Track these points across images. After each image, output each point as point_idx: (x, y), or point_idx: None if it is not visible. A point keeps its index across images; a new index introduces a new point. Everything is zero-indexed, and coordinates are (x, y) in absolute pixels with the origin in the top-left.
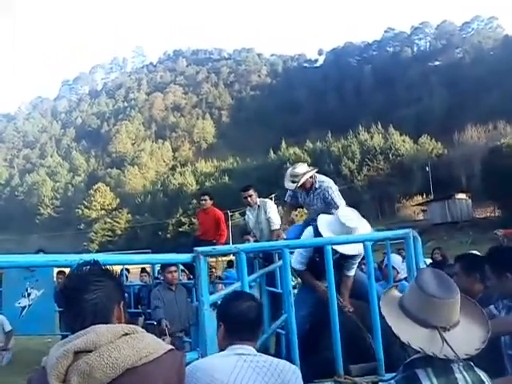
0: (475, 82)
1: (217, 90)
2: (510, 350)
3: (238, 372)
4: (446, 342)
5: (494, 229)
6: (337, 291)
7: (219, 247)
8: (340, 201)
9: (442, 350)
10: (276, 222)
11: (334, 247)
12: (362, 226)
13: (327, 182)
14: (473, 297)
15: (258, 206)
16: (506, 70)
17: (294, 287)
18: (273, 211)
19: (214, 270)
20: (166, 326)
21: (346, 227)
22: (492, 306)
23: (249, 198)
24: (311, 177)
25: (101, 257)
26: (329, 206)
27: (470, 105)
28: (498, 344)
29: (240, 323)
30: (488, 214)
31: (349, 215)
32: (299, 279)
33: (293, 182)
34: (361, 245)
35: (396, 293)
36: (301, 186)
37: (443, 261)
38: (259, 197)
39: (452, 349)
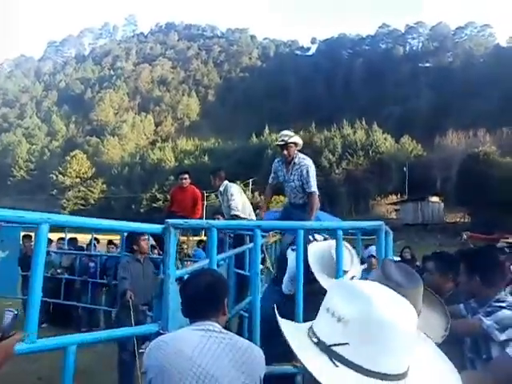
0: (462, 87)
1: (206, 67)
2: (470, 353)
3: (202, 347)
4: (421, 331)
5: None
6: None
7: (191, 221)
8: (314, 183)
9: None
10: (236, 208)
11: (319, 280)
12: (354, 267)
13: (308, 161)
14: (443, 294)
15: (221, 191)
16: (493, 78)
17: (262, 272)
18: (234, 196)
19: (184, 247)
20: (130, 298)
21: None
22: (462, 306)
23: (213, 181)
24: (296, 145)
25: (70, 219)
26: (303, 185)
27: (454, 109)
28: (461, 346)
29: (194, 299)
30: (458, 219)
31: (344, 259)
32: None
33: (282, 140)
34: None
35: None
36: (287, 149)
37: (412, 260)
38: (230, 180)
39: (429, 337)
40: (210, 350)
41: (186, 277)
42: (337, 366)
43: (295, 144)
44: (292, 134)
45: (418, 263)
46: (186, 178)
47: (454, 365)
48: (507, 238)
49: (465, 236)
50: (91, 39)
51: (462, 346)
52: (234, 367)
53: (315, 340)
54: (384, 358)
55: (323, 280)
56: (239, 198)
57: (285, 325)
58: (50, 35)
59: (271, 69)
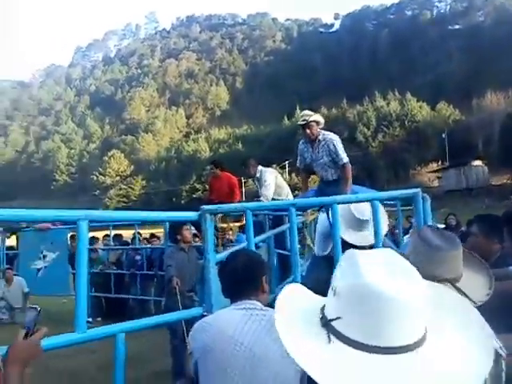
0: (496, 46)
1: (231, 55)
2: None
3: (243, 325)
4: (463, 292)
5: (510, 195)
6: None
7: (224, 205)
8: (344, 154)
9: None
10: (265, 195)
11: (345, 238)
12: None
13: (332, 135)
14: (489, 257)
15: (257, 177)
16: None
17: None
18: (266, 182)
19: (226, 233)
20: (177, 284)
21: (359, 220)
22: (511, 268)
23: (247, 171)
24: (318, 124)
25: (108, 213)
26: (334, 159)
27: (489, 70)
28: None
29: (232, 280)
30: (504, 181)
31: (361, 207)
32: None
33: (303, 120)
34: (372, 236)
35: None
36: (309, 129)
37: (457, 226)
38: (265, 165)
39: (469, 298)
40: (251, 329)
41: None
42: (331, 343)
43: (317, 122)
44: (312, 113)
45: (463, 229)
46: (212, 169)
47: (503, 326)
48: None
49: None
50: (116, 41)
51: None
52: (276, 344)
53: (320, 316)
54: (381, 330)
55: (348, 235)
56: (273, 184)
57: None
58: (76, 41)
59: (296, 49)
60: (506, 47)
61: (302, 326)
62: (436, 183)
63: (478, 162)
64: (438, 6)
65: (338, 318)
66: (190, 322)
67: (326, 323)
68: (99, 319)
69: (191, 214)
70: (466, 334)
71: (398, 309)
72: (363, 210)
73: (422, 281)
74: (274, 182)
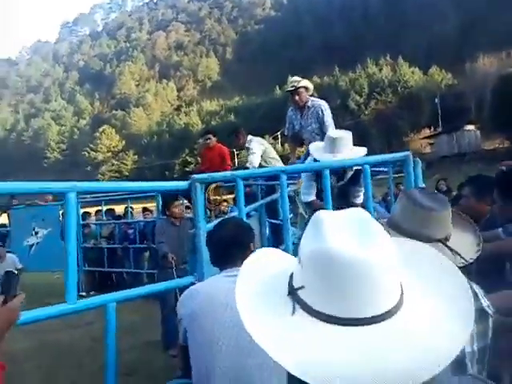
0: (490, 4)
1: (220, 25)
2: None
3: (233, 291)
4: (455, 251)
5: (503, 160)
6: None
7: (215, 174)
8: (332, 121)
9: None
10: (252, 162)
11: (317, 157)
12: (351, 142)
13: (321, 101)
14: (480, 219)
15: (247, 147)
16: None
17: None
18: (252, 150)
19: (219, 204)
20: (173, 259)
21: (334, 138)
22: (500, 230)
23: (235, 141)
24: (307, 90)
25: (100, 184)
26: (322, 125)
27: (482, 30)
28: (502, 271)
29: (220, 247)
30: (497, 146)
31: (337, 130)
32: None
33: (292, 86)
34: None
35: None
36: (298, 95)
37: (448, 191)
38: (258, 135)
39: (462, 256)
40: None
41: None
42: (295, 314)
43: (306, 88)
44: (300, 79)
45: (454, 193)
46: (209, 138)
47: (492, 286)
48: None
49: (503, 167)
50: (103, 14)
51: (502, 268)
52: None
53: (287, 284)
54: (348, 299)
55: (319, 155)
56: (258, 154)
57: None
58: (62, 16)
59: (286, 16)
60: (500, 6)
61: (265, 295)
62: (428, 149)
63: (470, 127)
64: None
65: (301, 287)
66: (182, 292)
67: (291, 292)
68: (93, 293)
69: (181, 184)
70: (443, 300)
71: (365, 274)
72: (338, 131)
73: (391, 241)
74: (260, 150)
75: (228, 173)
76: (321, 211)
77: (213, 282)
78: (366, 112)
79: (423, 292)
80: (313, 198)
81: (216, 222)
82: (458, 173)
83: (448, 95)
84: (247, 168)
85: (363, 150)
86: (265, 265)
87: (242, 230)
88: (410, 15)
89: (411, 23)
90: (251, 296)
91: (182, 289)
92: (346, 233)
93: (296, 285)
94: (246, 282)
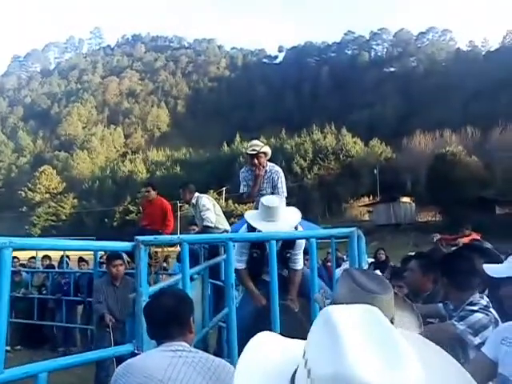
0: (426, 91)
1: (174, 78)
2: None
3: (173, 368)
4: None
5: (435, 232)
6: (282, 288)
7: (161, 237)
8: (285, 188)
9: None
10: (209, 218)
11: (254, 225)
12: (285, 208)
13: (277, 168)
14: (421, 294)
15: (193, 203)
16: (455, 81)
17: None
18: (206, 207)
19: (159, 260)
20: (110, 321)
21: (268, 207)
22: (441, 305)
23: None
24: (266, 155)
25: (37, 241)
26: (274, 190)
27: (419, 112)
28: None
29: (159, 322)
30: (430, 218)
31: (270, 198)
32: None
33: (253, 150)
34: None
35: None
36: (258, 159)
37: (386, 261)
38: (204, 192)
39: None
40: (182, 371)
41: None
42: None
43: (265, 154)
44: (262, 144)
45: (391, 264)
46: (148, 191)
47: None
48: (470, 235)
49: (434, 239)
50: (57, 53)
51: None
52: None
53: None
54: None
55: (257, 224)
56: (212, 210)
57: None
58: (14, 50)
59: (240, 78)
60: (434, 92)
61: None
62: (367, 217)
63: (406, 199)
64: (375, 49)
65: None
66: (121, 359)
67: None
68: (19, 347)
69: (124, 245)
70: None
71: None
72: (272, 200)
73: (416, 359)
74: (212, 209)
75: (174, 236)
76: (333, 312)
77: (150, 357)
78: (309, 176)
79: None
80: (242, 266)
81: (159, 286)
82: (394, 241)
83: (387, 167)
84: (207, 226)
85: (297, 215)
86: (265, 358)
87: (183, 304)
88: (354, 93)
89: (355, 99)
90: None
91: (120, 357)
92: (370, 349)
93: None
94: (246, 376)
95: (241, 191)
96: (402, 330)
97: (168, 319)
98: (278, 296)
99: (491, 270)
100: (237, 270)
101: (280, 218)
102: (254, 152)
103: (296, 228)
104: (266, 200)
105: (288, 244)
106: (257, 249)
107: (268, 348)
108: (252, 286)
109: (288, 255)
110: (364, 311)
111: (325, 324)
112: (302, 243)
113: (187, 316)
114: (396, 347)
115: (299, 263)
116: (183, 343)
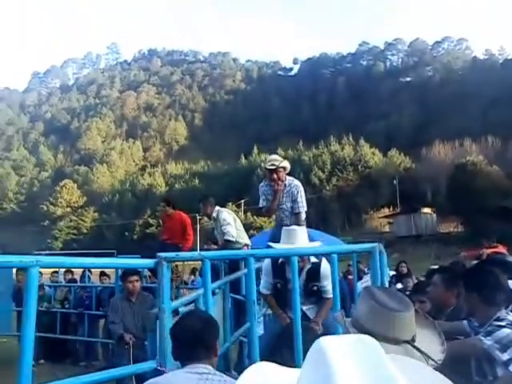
0: (443, 100)
1: (191, 92)
2: (476, 375)
3: None
4: (425, 353)
5: (457, 243)
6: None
7: (183, 254)
8: (303, 204)
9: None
10: (230, 233)
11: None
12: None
13: (297, 182)
14: (444, 309)
15: (214, 217)
16: (472, 90)
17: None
18: (227, 221)
19: (180, 274)
20: (131, 339)
21: (290, 230)
22: (465, 322)
23: (203, 210)
24: (285, 170)
25: (62, 259)
26: (294, 205)
27: (437, 122)
28: (467, 369)
29: (186, 344)
30: (452, 229)
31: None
32: None
33: (272, 165)
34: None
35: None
36: (277, 174)
37: (408, 274)
38: (222, 205)
39: (432, 358)
40: None
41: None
42: None
43: (284, 168)
44: (281, 158)
45: (413, 277)
46: (164, 207)
47: None
48: (496, 248)
49: (462, 257)
50: (75, 69)
51: (468, 368)
52: None
53: None
54: None
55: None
56: (233, 224)
57: None
58: (34, 67)
59: (255, 90)
60: (452, 101)
61: None
62: (387, 228)
63: (427, 210)
64: (390, 59)
65: None
66: (141, 376)
67: None
68: (42, 361)
69: (147, 262)
70: None
71: None
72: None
73: None
74: (233, 223)
75: (196, 253)
76: (323, 342)
77: (175, 377)
78: (328, 188)
79: None
80: (268, 292)
81: (183, 301)
82: (415, 253)
83: (406, 178)
84: (228, 240)
85: (318, 244)
86: None
87: (209, 327)
88: (370, 104)
89: (372, 110)
90: None
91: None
92: (360, 379)
93: None
94: None
95: (260, 205)
96: (425, 350)
97: (194, 341)
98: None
99: None
100: (262, 294)
101: (300, 241)
102: (273, 167)
103: (319, 264)
104: (287, 228)
105: (314, 277)
106: (281, 279)
107: (263, 379)
108: (277, 309)
109: (314, 288)
110: (354, 340)
111: (315, 354)
112: (328, 275)
113: (214, 339)
114: (385, 375)
115: (329, 293)
116: (208, 366)
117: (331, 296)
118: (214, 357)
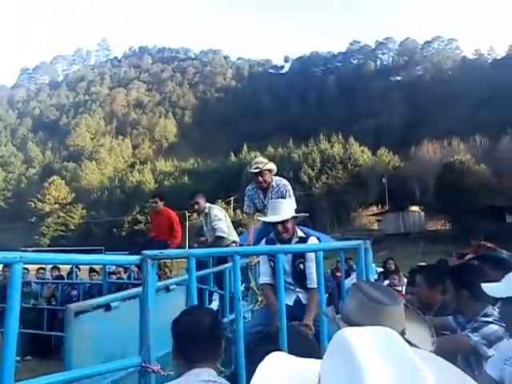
0: (433, 100)
1: (181, 89)
2: (462, 370)
3: None
4: (415, 345)
5: (444, 241)
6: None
7: (168, 251)
8: (294, 201)
9: None
10: (221, 228)
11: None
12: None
13: (285, 181)
14: (431, 307)
15: (206, 213)
16: (461, 90)
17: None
18: (218, 218)
19: (166, 271)
20: None
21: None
22: (451, 318)
23: (195, 206)
24: (270, 172)
25: (47, 256)
26: None
27: (427, 121)
28: (453, 364)
29: (194, 339)
30: (439, 227)
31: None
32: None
33: (257, 168)
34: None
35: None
36: (262, 176)
37: (395, 271)
38: (212, 202)
39: (421, 349)
40: None
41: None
42: None
43: (270, 170)
44: (266, 160)
45: (401, 273)
46: (156, 202)
47: None
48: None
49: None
50: (65, 65)
51: (454, 364)
52: None
53: None
54: None
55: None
56: (224, 220)
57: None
58: (23, 62)
59: (246, 88)
60: (441, 101)
61: None
62: (376, 226)
63: (415, 208)
64: (381, 58)
65: None
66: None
67: None
68: (28, 357)
69: (132, 259)
70: None
71: None
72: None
73: (433, 380)
74: (224, 220)
75: (182, 251)
76: (348, 335)
77: None
78: (317, 185)
79: None
80: (267, 280)
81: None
82: (403, 250)
83: (394, 176)
84: (219, 236)
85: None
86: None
87: (218, 324)
88: (360, 102)
89: (362, 109)
90: None
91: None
92: (387, 371)
93: None
94: None
95: (245, 210)
96: (415, 343)
97: (208, 340)
98: (286, 314)
99: (490, 289)
100: (261, 284)
101: (284, 212)
102: (258, 170)
103: (307, 238)
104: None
105: (300, 253)
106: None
107: (281, 370)
108: (272, 301)
109: (301, 266)
110: (378, 332)
111: (340, 347)
112: (312, 254)
113: (222, 338)
114: (413, 368)
115: (314, 280)
116: (212, 371)
117: (316, 286)
118: (220, 357)
